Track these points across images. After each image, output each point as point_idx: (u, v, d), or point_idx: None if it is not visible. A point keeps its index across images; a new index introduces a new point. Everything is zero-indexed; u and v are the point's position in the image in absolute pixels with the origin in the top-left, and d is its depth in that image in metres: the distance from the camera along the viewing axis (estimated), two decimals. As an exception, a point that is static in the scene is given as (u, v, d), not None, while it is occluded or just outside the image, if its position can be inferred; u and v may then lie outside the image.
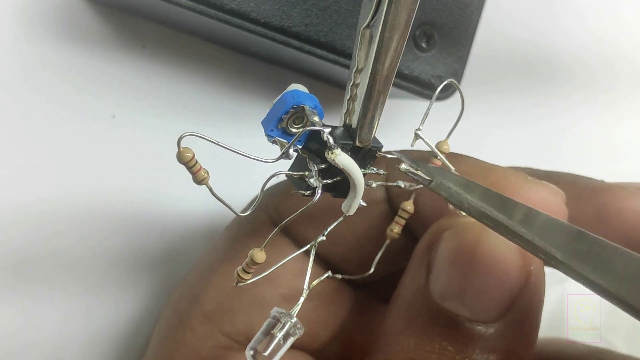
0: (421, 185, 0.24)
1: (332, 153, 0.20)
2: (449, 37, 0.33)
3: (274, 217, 0.28)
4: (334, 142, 0.20)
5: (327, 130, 0.21)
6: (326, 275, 0.23)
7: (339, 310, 0.29)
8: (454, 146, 0.26)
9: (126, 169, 0.34)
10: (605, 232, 0.26)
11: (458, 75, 0.33)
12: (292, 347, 0.28)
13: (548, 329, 0.43)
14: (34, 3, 0.31)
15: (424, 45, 0.33)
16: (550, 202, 0.23)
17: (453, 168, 0.23)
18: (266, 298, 0.26)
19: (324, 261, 0.27)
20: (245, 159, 0.21)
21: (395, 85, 0.33)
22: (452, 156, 0.24)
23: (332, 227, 0.23)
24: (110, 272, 0.34)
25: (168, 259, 0.36)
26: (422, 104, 0.33)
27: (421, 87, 0.33)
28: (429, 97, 0.33)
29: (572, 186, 0.27)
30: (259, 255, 0.21)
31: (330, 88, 0.36)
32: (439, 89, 0.24)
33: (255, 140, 0.24)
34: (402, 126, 0.35)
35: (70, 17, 0.32)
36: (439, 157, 0.24)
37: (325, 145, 0.20)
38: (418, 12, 0.33)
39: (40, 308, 0.33)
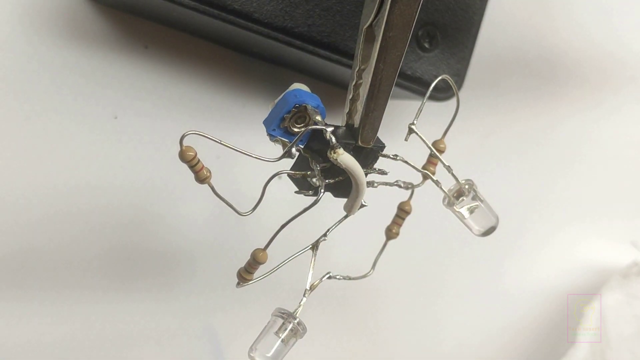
0: (420, 185, 0.24)
1: (334, 152, 0.20)
2: (452, 37, 0.33)
3: None
4: (337, 141, 0.20)
5: (330, 129, 0.20)
6: (326, 275, 0.23)
7: None
8: (454, 146, 0.26)
9: (128, 169, 0.34)
10: None
11: (461, 75, 0.33)
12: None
13: (548, 329, 0.42)
14: (35, 3, 0.31)
15: (426, 45, 0.33)
16: None
17: (447, 163, 0.23)
18: None
19: None
20: (248, 159, 0.21)
21: (398, 85, 0.33)
22: None
23: (333, 227, 0.22)
24: (110, 274, 0.34)
25: (169, 260, 0.35)
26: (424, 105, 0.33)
27: (424, 87, 0.33)
28: (431, 98, 0.33)
29: None
30: (262, 255, 0.21)
31: (333, 88, 0.35)
32: (433, 84, 0.24)
33: (259, 140, 0.24)
34: (404, 127, 0.35)
35: (72, 17, 0.32)
36: (433, 153, 0.23)
37: (327, 145, 0.20)
38: (421, 12, 0.33)
39: (38, 307, 0.33)
